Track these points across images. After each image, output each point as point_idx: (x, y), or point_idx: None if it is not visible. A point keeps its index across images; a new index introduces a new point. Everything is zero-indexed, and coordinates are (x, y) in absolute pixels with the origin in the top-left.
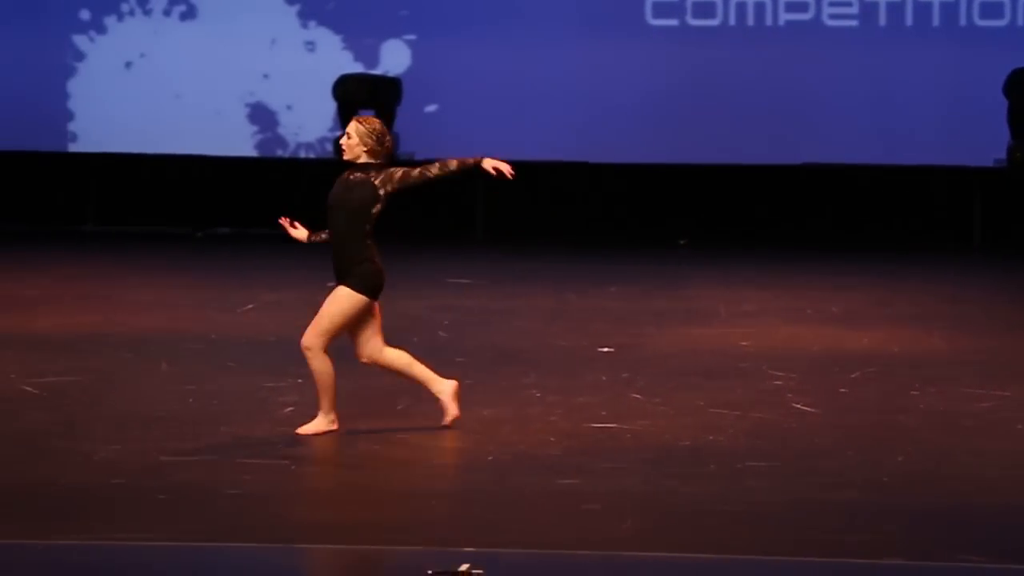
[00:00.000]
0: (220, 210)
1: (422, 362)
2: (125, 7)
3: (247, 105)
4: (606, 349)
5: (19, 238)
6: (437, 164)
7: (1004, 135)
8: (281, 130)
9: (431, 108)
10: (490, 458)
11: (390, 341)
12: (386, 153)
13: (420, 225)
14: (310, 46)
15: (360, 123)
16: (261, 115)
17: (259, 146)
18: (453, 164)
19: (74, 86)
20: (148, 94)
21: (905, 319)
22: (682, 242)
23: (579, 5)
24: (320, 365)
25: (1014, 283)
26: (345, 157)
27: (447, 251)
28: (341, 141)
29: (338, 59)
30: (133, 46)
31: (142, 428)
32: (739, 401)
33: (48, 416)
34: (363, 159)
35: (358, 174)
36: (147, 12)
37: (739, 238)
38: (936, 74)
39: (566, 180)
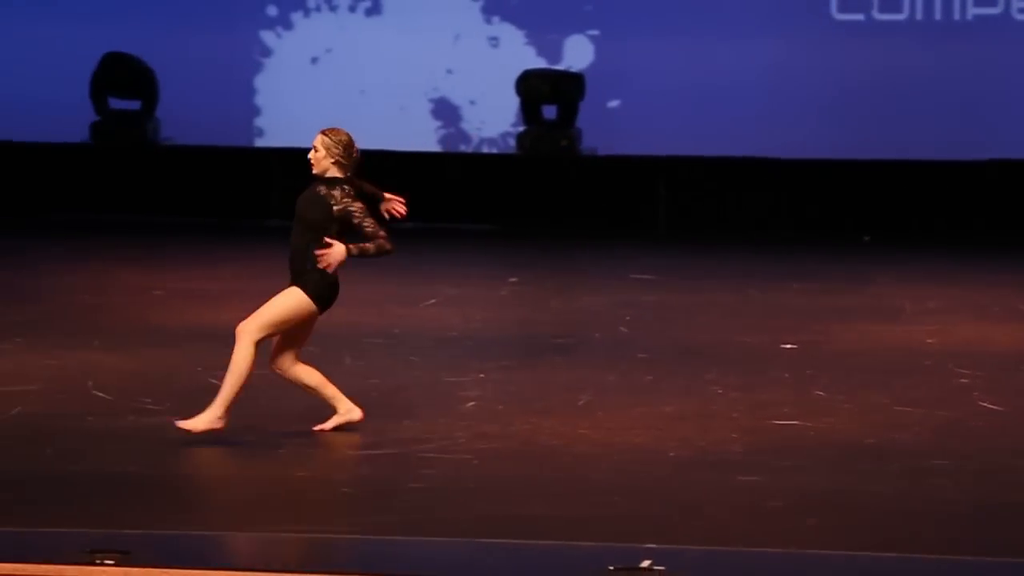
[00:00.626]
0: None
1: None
2: (312, 3)
3: (431, 100)
4: (789, 345)
5: (206, 231)
6: (372, 244)
7: None
8: (464, 125)
9: (614, 104)
10: (671, 454)
11: (569, 337)
12: (355, 165)
13: (603, 221)
14: (494, 41)
15: (327, 135)
16: (444, 110)
17: (442, 141)
18: (371, 249)
19: (261, 82)
20: (333, 89)
21: None
22: (866, 238)
23: (761, 1)
24: (241, 355)
25: None
26: (314, 171)
27: (630, 247)
28: (309, 155)
29: (521, 54)
30: (319, 42)
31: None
32: (924, 399)
33: (235, 409)
34: (331, 172)
35: (322, 188)
36: (333, 8)
37: (924, 234)
38: None
39: (748, 176)
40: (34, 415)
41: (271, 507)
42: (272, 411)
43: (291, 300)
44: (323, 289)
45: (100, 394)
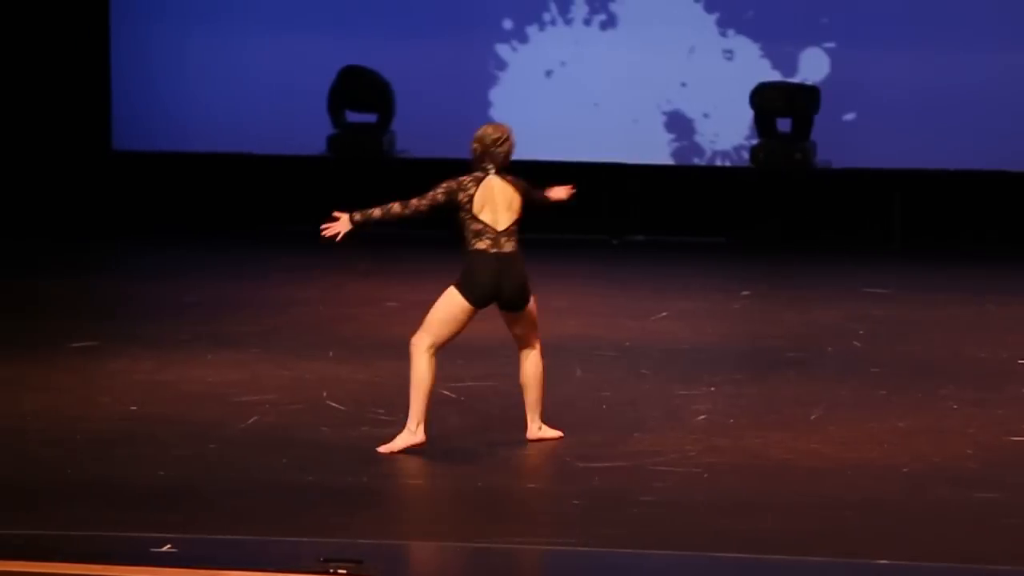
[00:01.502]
0: (636, 217)
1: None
2: (547, 16)
3: (664, 113)
4: None
5: (440, 244)
6: (379, 208)
7: None
8: (698, 138)
9: (849, 116)
10: (905, 470)
11: (800, 350)
12: (492, 159)
13: (837, 235)
14: (728, 54)
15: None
16: (678, 123)
17: (675, 154)
18: (375, 213)
19: (496, 95)
20: (567, 102)
21: None
22: None
23: (1002, 10)
24: (414, 365)
25: None
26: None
27: (863, 261)
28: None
29: (756, 67)
30: (554, 55)
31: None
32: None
33: (466, 420)
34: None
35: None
36: (568, 21)
37: None
38: None
39: (986, 189)
40: (269, 425)
41: (502, 518)
42: (502, 425)
43: (442, 298)
44: (467, 282)
45: (334, 404)
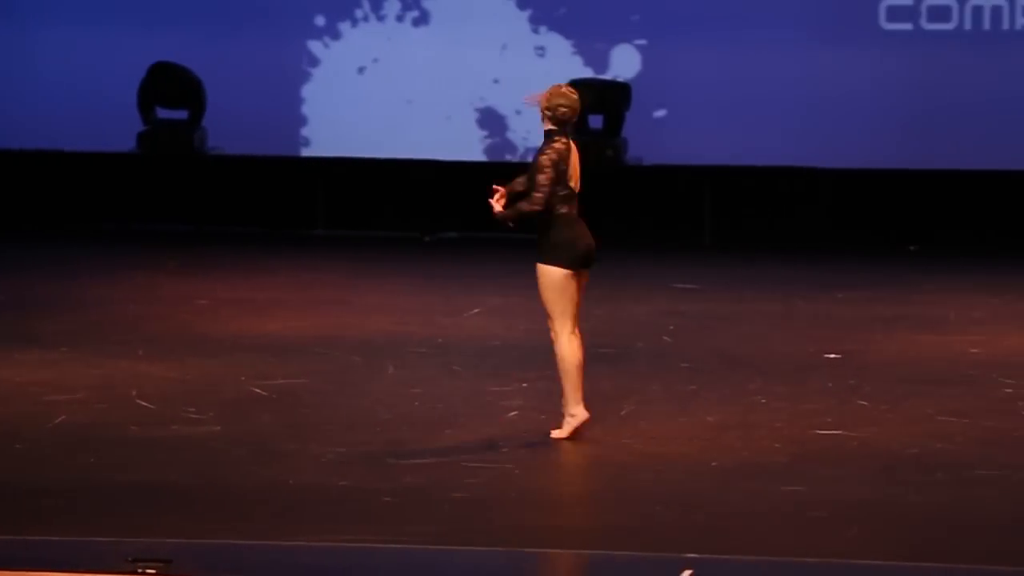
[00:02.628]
0: (448, 214)
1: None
2: (359, 13)
3: (477, 110)
4: (833, 355)
5: (252, 241)
6: (511, 210)
7: None
8: (510, 135)
9: (660, 113)
10: (714, 464)
11: (612, 346)
12: (559, 119)
13: (648, 231)
14: (540, 51)
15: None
16: (491, 120)
17: (488, 151)
18: (509, 215)
19: (308, 91)
20: (380, 99)
21: None
22: (912, 248)
23: (811, 9)
24: (557, 350)
25: None
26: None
27: (674, 257)
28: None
29: (568, 64)
30: (366, 52)
31: (369, 431)
32: (968, 409)
33: (278, 418)
34: (545, 124)
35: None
36: (381, 18)
37: (970, 244)
38: None
39: (794, 186)
40: (78, 424)
41: (313, 516)
42: (314, 422)
43: (545, 285)
44: (561, 249)
45: (144, 403)
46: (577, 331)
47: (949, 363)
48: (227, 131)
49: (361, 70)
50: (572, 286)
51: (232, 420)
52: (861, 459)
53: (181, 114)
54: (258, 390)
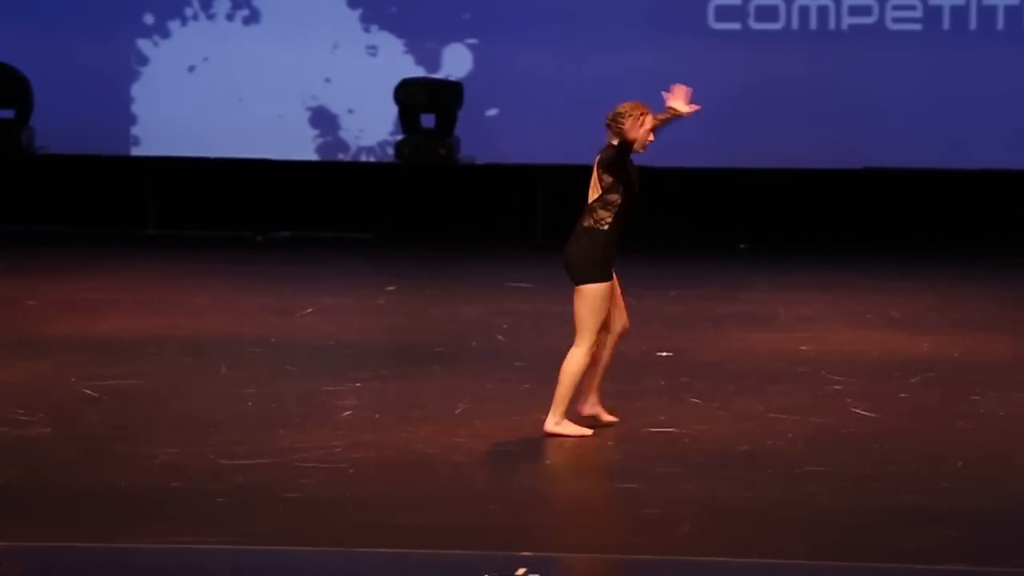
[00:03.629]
0: (281, 214)
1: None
2: (189, 12)
3: (308, 109)
4: (665, 353)
5: (82, 241)
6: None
7: None
8: (342, 134)
9: (492, 112)
10: (548, 462)
11: (446, 345)
12: (619, 134)
13: (481, 230)
14: (372, 50)
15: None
16: (323, 119)
17: (320, 150)
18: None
19: (138, 90)
20: (211, 98)
21: (967, 324)
22: (742, 246)
23: (642, 9)
24: (572, 368)
25: None
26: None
27: (507, 255)
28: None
29: (400, 63)
30: (196, 50)
31: (201, 431)
32: (798, 406)
33: (109, 419)
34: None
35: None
36: (211, 16)
37: (799, 242)
38: (1000, 77)
39: None
40: None
41: (146, 518)
42: (146, 423)
43: (585, 303)
44: (601, 262)
45: None
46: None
47: (779, 360)
48: (56, 130)
49: (191, 69)
50: (608, 298)
51: (62, 421)
52: (693, 456)
53: (8, 113)
54: (88, 391)
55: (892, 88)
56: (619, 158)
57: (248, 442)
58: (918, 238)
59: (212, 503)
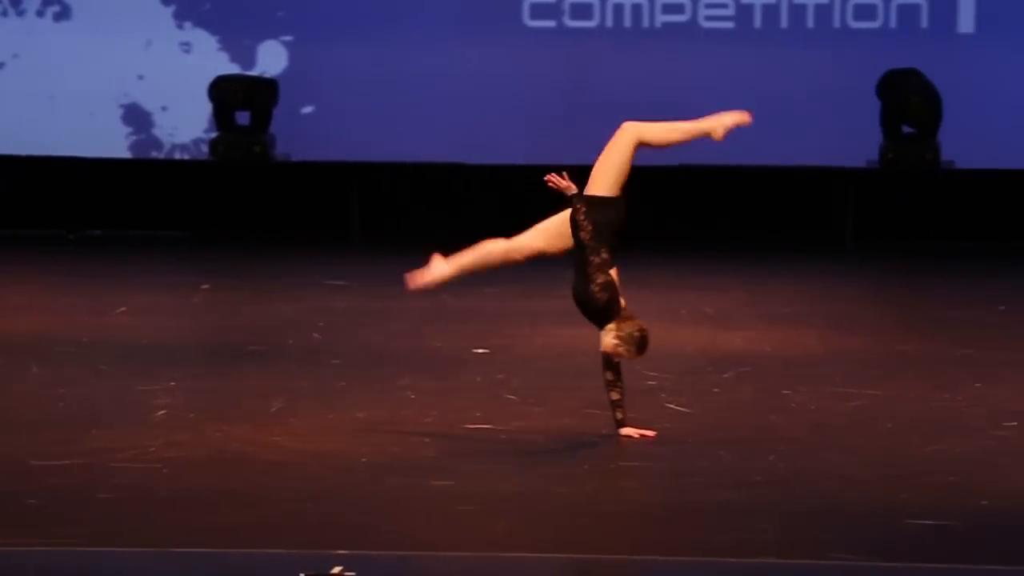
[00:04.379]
0: (94, 212)
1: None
2: None
3: (121, 106)
4: (481, 350)
5: None
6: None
7: (877, 136)
8: (156, 131)
9: (308, 110)
10: (364, 460)
11: (262, 343)
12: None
13: (297, 227)
14: (186, 47)
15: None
16: (136, 116)
17: (133, 147)
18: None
19: None
20: (20, 96)
21: (778, 319)
22: None
23: (457, 6)
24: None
25: (885, 283)
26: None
27: (324, 253)
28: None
29: (214, 60)
30: (5, 47)
31: (11, 433)
32: None
33: None
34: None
35: None
36: (20, 12)
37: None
38: (811, 75)
39: (444, 181)
40: None
41: None
42: None
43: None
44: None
45: None
46: None
47: (594, 356)
48: None
49: (0, 66)
50: None
51: None
52: (509, 453)
53: None
54: None
55: (705, 85)
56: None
57: (60, 443)
58: (730, 234)
59: (23, 505)
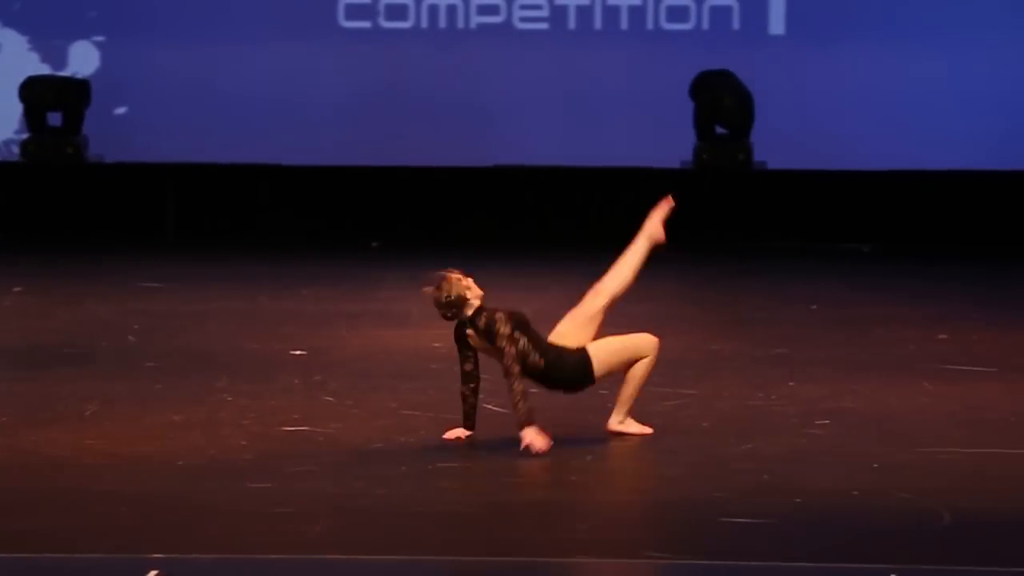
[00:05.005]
0: None
1: None
2: None
3: None
4: (298, 352)
5: None
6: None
7: (691, 137)
8: None
9: (121, 111)
10: (180, 463)
11: (76, 346)
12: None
13: (111, 229)
14: None
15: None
16: None
17: None
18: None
19: None
20: None
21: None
22: (374, 244)
23: (272, 7)
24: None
25: (700, 283)
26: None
27: (138, 255)
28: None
29: (24, 61)
30: None
31: None
32: (431, 403)
33: None
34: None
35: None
36: None
37: (432, 240)
38: (625, 76)
39: (258, 183)
40: None
41: None
42: None
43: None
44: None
45: None
46: None
47: (412, 358)
48: None
49: None
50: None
51: None
52: (327, 454)
53: None
54: None
55: (521, 86)
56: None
57: None
58: (552, 234)
59: None
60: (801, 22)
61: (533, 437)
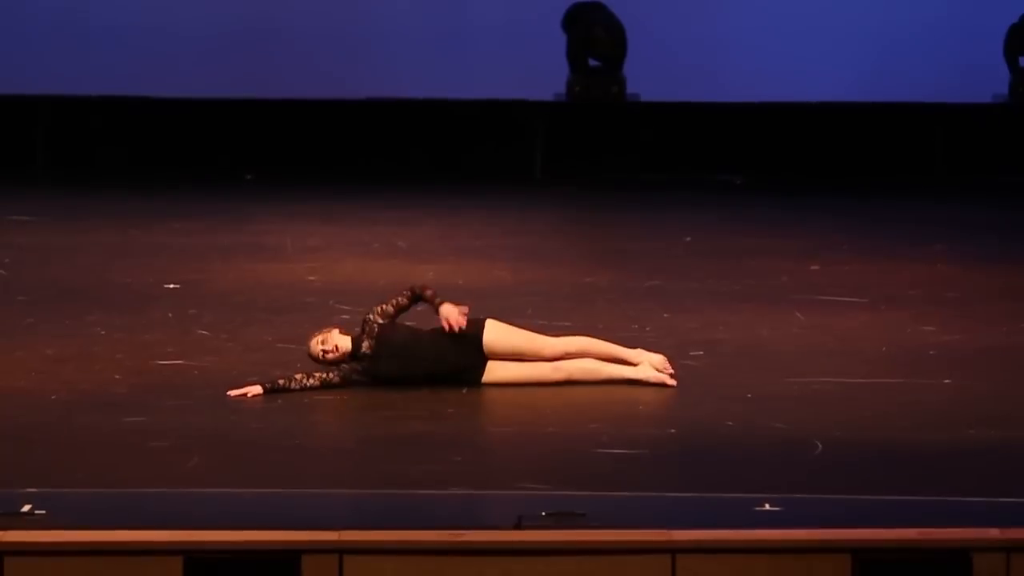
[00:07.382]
0: None
1: None
2: None
3: None
4: (172, 285)
5: None
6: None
7: (564, 69)
8: None
9: None
10: (54, 397)
11: None
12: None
13: None
14: None
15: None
16: None
17: None
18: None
19: None
20: None
21: (470, 251)
22: (248, 177)
23: None
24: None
25: (574, 215)
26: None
27: (6, 188)
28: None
29: None
30: None
31: None
32: (306, 336)
33: None
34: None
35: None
36: None
37: (304, 173)
38: (498, 8)
39: (128, 115)
40: None
41: None
42: None
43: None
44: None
45: None
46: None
47: (287, 291)
48: None
49: None
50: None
51: None
52: (203, 388)
53: None
54: None
55: (394, 17)
56: None
57: None
58: (420, 168)
59: None
60: None
61: (449, 311)
